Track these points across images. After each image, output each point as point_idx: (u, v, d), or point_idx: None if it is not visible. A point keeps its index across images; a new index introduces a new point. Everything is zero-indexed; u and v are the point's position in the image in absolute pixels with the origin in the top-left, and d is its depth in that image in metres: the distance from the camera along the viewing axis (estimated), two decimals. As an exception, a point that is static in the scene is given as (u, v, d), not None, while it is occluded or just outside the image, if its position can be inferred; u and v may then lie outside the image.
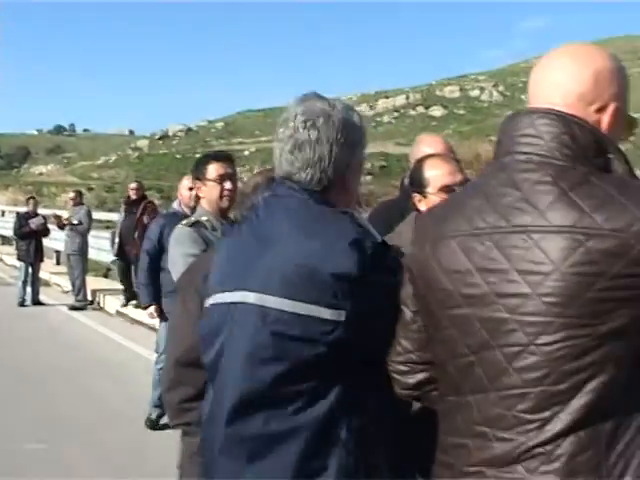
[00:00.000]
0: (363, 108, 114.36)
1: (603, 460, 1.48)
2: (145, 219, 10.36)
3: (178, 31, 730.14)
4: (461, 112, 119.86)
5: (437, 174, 2.83)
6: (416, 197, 2.89)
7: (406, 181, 3.32)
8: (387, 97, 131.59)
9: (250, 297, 1.83)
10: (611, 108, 1.64)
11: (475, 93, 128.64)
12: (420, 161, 2.93)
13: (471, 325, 1.59)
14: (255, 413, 1.78)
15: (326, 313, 1.76)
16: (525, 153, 1.60)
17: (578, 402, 1.48)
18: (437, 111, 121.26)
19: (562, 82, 1.64)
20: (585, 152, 1.58)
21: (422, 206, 2.83)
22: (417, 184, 2.87)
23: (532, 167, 1.58)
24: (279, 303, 1.78)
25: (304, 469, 1.75)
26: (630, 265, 1.44)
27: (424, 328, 1.74)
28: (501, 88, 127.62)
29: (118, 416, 6.92)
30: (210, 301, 1.95)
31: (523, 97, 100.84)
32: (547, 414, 1.50)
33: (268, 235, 1.85)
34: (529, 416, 1.52)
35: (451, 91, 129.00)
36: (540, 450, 1.51)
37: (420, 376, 1.78)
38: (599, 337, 1.46)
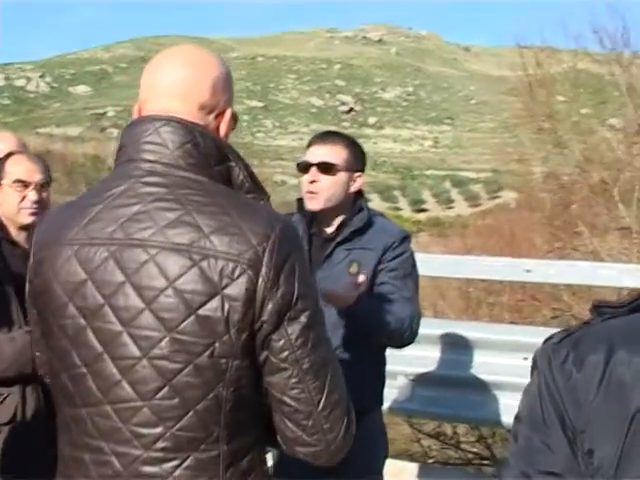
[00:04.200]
0: None
1: None
2: None
3: None
4: (6, 102, 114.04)
5: (16, 170, 2.91)
6: None
7: None
8: None
9: None
10: (228, 114, 1.68)
11: (21, 83, 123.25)
12: (8, 155, 2.98)
13: (84, 337, 1.57)
14: None
15: None
16: (150, 161, 1.59)
17: (192, 419, 1.51)
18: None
19: (182, 91, 1.64)
20: (208, 160, 1.61)
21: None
22: None
23: (157, 180, 1.58)
24: None
25: None
26: (240, 289, 1.48)
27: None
28: (48, 79, 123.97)
29: None
30: None
31: (71, 89, 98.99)
32: (160, 430, 1.53)
33: None
34: (144, 430, 1.54)
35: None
36: (156, 470, 1.54)
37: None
38: (214, 355, 1.49)
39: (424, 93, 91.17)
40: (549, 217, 8.93)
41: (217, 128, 1.67)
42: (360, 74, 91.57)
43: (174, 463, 1.53)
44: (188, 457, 1.53)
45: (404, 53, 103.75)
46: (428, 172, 63.52)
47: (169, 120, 1.61)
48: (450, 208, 56.51)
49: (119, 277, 1.54)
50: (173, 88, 1.64)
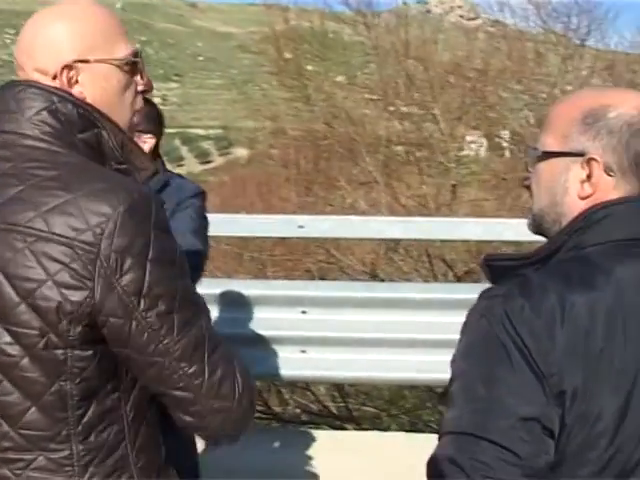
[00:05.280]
0: None
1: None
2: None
3: None
4: None
5: None
6: None
7: None
8: None
9: None
10: (76, 69, 1.49)
11: None
12: None
13: None
14: None
15: None
16: (4, 132, 1.46)
17: (34, 416, 1.42)
18: None
19: (25, 53, 1.51)
20: (69, 128, 1.46)
21: None
22: None
23: (4, 154, 1.45)
24: None
25: None
26: (72, 277, 1.36)
27: None
28: None
29: None
30: None
31: None
32: (2, 429, 1.43)
33: None
34: None
35: None
36: (3, 472, 1.45)
37: None
38: (49, 346, 1.38)
39: (151, 50, 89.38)
40: (301, 172, 9.16)
41: (71, 87, 1.50)
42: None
43: (21, 464, 1.44)
44: (37, 457, 1.44)
45: (129, 8, 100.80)
46: (158, 130, 62.66)
47: (27, 86, 1.48)
48: (181, 166, 56.20)
49: None
50: (20, 51, 1.53)
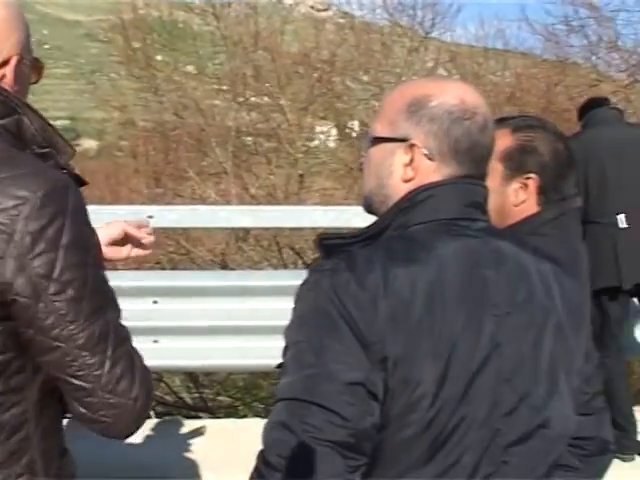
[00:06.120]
0: None
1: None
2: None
3: None
4: None
5: None
6: None
7: None
8: None
9: None
10: (14, 61, 1.57)
11: None
12: None
13: None
14: None
15: None
16: None
17: None
18: None
19: None
20: None
21: None
22: None
23: None
24: None
25: None
26: None
27: None
28: None
29: None
30: None
31: None
32: None
33: None
34: None
35: None
36: None
37: None
38: None
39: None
40: (150, 164, 9.03)
41: (3, 77, 1.56)
42: None
43: None
44: None
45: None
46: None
47: None
48: (27, 158, 54.19)
49: None
50: None
